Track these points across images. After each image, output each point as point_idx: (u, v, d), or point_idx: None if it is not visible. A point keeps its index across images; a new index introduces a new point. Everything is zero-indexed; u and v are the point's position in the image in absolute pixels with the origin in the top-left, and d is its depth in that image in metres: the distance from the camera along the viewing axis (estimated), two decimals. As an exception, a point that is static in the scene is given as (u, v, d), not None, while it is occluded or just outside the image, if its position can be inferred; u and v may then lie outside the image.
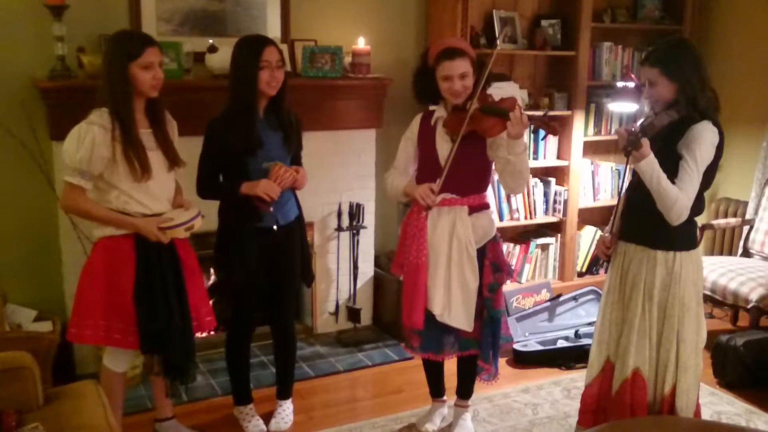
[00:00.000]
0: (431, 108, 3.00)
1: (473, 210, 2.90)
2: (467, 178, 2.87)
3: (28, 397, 2.33)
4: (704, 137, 2.51)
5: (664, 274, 2.64)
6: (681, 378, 2.67)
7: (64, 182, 2.62)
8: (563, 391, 3.61)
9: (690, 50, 2.61)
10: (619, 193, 2.80)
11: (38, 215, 3.58)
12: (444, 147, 2.87)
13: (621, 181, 2.76)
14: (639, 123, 2.53)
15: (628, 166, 2.62)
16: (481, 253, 2.92)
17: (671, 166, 2.52)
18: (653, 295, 2.66)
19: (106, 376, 2.81)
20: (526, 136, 2.93)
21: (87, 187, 2.61)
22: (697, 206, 2.62)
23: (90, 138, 2.54)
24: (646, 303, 2.67)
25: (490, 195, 3.07)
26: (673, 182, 2.51)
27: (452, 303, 2.88)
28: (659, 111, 2.58)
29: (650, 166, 2.48)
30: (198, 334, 2.92)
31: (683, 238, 2.65)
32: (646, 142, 2.45)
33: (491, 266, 2.94)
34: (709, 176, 2.60)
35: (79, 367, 3.56)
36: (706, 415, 3.29)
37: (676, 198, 2.50)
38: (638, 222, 2.69)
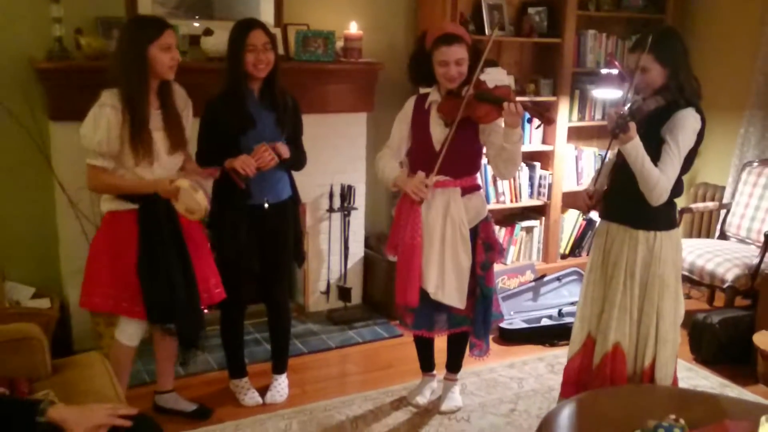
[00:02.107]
0: (424, 91, 3.06)
1: (466, 191, 2.98)
2: (460, 161, 2.94)
3: (37, 366, 2.39)
4: (688, 123, 2.62)
5: (645, 252, 2.75)
6: (660, 351, 2.79)
7: (87, 165, 2.70)
8: (547, 367, 3.75)
9: (679, 38, 2.73)
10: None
11: (36, 194, 3.63)
12: (437, 131, 2.94)
13: (604, 158, 2.87)
14: (627, 107, 2.64)
15: (611, 147, 2.73)
16: (474, 232, 3.00)
17: (654, 150, 2.63)
18: (635, 273, 2.77)
19: (117, 348, 2.89)
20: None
21: (110, 166, 2.70)
22: (677, 189, 2.73)
23: (105, 120, 2.62)
24: (627, 280, 2.78)
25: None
26: (655, 165, 2.63)
27: (446, 281, 2.95)
28: (647, 97, 2.68)
29: (635, 148, 2.59)
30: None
31: (663, 218, 2.77)
32: (633, 126, 2.55)
33: (483, 245, 3.02)
34: (688, 161, 2.71)
35: (77, 343, 3.61)
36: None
37: (658, 179, 2.62)
38: (622, 203, 2.80)
